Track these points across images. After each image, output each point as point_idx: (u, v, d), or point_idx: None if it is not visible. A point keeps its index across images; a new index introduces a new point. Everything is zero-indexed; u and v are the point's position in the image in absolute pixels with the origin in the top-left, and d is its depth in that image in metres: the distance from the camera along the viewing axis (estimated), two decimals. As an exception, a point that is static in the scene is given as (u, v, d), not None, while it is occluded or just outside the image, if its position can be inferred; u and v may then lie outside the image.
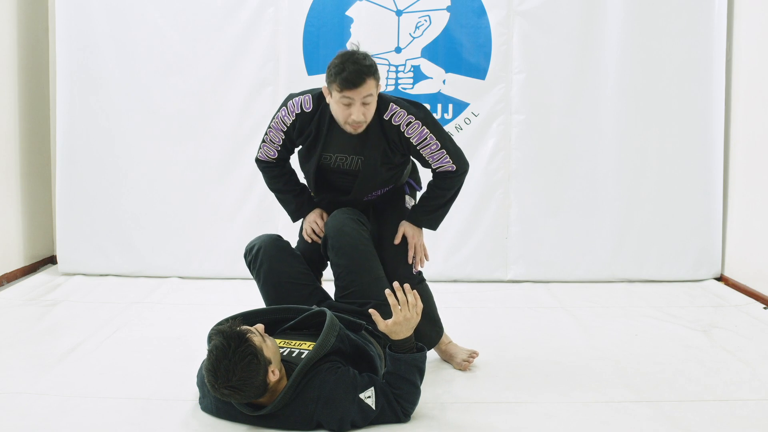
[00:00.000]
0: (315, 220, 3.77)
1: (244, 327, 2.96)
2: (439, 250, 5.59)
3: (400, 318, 3.08)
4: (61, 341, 4.14)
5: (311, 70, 5.52)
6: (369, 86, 3.38)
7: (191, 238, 5.64)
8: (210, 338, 3.08)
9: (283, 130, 3.63)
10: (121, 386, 3.49)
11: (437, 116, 5.53)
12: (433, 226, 3.80)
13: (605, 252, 5.61)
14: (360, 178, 3.62)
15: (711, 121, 5.55)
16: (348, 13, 5.50)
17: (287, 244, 3.69)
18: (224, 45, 5.53)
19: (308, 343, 3.18)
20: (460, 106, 5.55)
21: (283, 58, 5.53)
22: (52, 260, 6.06)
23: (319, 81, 5.47)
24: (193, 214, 5.64)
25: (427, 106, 3.79)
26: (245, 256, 3.68)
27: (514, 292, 5.35)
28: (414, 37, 5.52)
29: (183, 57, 5.54)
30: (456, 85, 5.54)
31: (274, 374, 2.94)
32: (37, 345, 4.10)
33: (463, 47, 5.52)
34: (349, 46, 3.55)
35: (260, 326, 3.07)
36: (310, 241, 3.76)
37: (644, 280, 5.60)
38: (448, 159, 3.61)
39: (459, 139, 5.47)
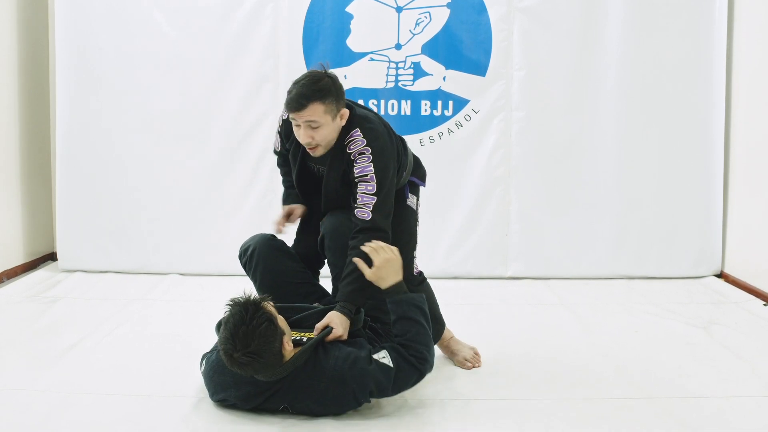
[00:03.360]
0: (282, 215, 3.78)
1: (259, 296, 3.03)
2: (439, 247, 5.60)
3: (381, 260, 3.19)
4: (62, 338, 4.15)
5: (311, 67, 5.50)
6: (312, 111, 3.26)
7: (191, 234, 5.64)
8: (219, 324, 3.10)
9: (278, 130, 3.68)
10: (121, 383, 3.49)
11: (437, 113, 5.53)
12: (352, 298, 3.33)
13: (605, 249, 5.61)
14: (323, 195, 3.56)
15: (711, 119, 5.55)
16: (348, 9, 5.50)
17: (282, 243, 3.68)
18: (224, 42, 5.53)
19: (309, 334, 3.21)
20: (460, 103, 5.55)
21: (283, 54, 5.52)
22: (52, 257, 6.06)
23: (319, 78, 5.50)
24: (194, 211, 5.64)
25: (406, 141, 3.75)
26: (240, 257, 3.69)
27: (514, 289, 5.35)
28: (414, 34, 5.51)
29: (182, 54, 5.54)
30: (456, 82, 5.54)
31: (289, 344, 2.98)
32: (37, 342, 4.10)
33: (464, 44, 5.52)
34: (319, 66, 3.43)
35: (270, 300, 3.11)
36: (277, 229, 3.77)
37: (644, 277, 5.60)
38: (370, 207, 3.35)
39: (459, 136, 5.51)
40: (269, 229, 3.74)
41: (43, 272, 5.68)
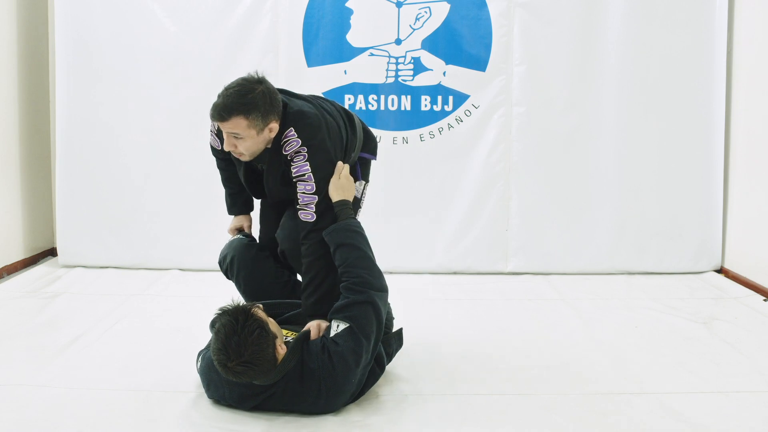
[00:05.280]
0: (233, 229, 3.83)
1: (247, 303, 3.01)
2: (439, 242, 5.60)
3: (345, 175, 3.38)
4: (62, 333, 4.15)
5: (311, 62, 5.51)
6: (234, 124, 3.20)
7: (191, 230, 5.64)
8: (213, 323, 3.10)
9: (212, 130, 3.65)
10: (121, 378, 3.49)
11: (437, 108, 5.53)
12: (317, 311, 3.33)
13: (605, 244, 5.61)
14: (266, 192, 3.53)
15: (712, 113, 5.54)
16: (348, 4, 5.49)
17: (259, 246, 3.71)
18: (223, 37, 5.52)
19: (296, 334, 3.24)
20: (460, 98, 5.54)
21: (283, 49, 5.52)
22: (52, 252, 6.06)
23: (319, 73, 5.50)
24: (193, 206, 5.63)
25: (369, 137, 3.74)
26: (220, 265, 3.73)
27: (514, 284, 5.35)
28: (414, 29, 5.51)
29: (182, 49, 5.53)
30: (456, 77, 5.53)
31: (282, 348, 2.98)
32: (37, 337, 4.11)
33: (464, 39, 5.51)
34: (254, 74, 3.34)
35: (259, 305, 3.11)
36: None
37: (644, 272, 5.60)
38: (313, 207, 3.31)
39: (459, 131, 5.51)
40: (239, 238, 3.77)
41: (43, 268, 5.68)
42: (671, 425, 3.06)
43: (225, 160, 3.73)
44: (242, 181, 3.62)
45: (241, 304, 2.97)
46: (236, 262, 3.64)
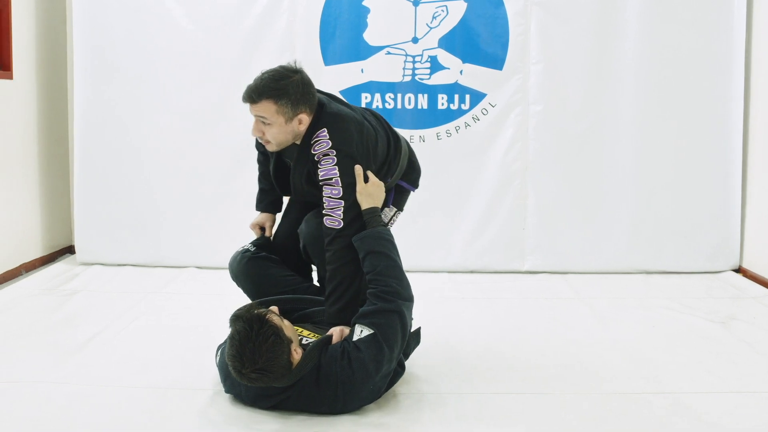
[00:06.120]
0: (256, 225, 3.81)
1: (262, 309, 2.99)
2: (456, 241, 5.60)
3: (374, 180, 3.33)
4: (80, 330, 4.17)
5: (328, 61, 5.52)
6: (262, 108, 3.22)
7: (208, 228, 5.65)
8: (233, 319, 3.10)
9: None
10: (139, 375, 3.51)
11: (454, 107, 5.52)
12: (341, 319, 3.28)
13: (622, 243, 5.59)
14: (291, 188, 3.51)
15: (730, 111, 5.51)
16: (365, 3, 5.49)
17: (264, 256, 3.67)
18: (240, 35, 5.54)
19: (316, 335, 3.23)
20: (477, 97, 5.53)
21: (300, 48, 5.52)
22: (70, 250, 6.09)
23: (336, 72, 5.50)
24: (211, 204, 5.65)
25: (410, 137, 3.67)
26: (233, 280, 3.73)
27: (530, 283, 5.34)
28: (431, 28, 5.50)
29: (199, 48, 5.55)
30: (473, 76, 5.52)
31: (297, 353, 2.96)
32: (55, 334, 4.12)
33: (481, 37, 5.50)
34: (292, 63, 3.34)
35: (275, 308, 3.11)
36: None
37: (662, 272, 5.58)
38: (339, 213, 3.25)
39: (476, 130, 5.50)
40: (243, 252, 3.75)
41: (61, 265, 5.71)
42: (689, 425, 3.05)
43: (264, 154, 3.73)
44: (271, 173, 3.60)
45: (255, 311, 2.95)
46: (241, 279, 3.66)
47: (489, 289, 5.20)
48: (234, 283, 3.75)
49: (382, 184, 3.36)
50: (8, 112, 5.31)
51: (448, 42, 5.51)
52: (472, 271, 5.61)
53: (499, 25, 5.49)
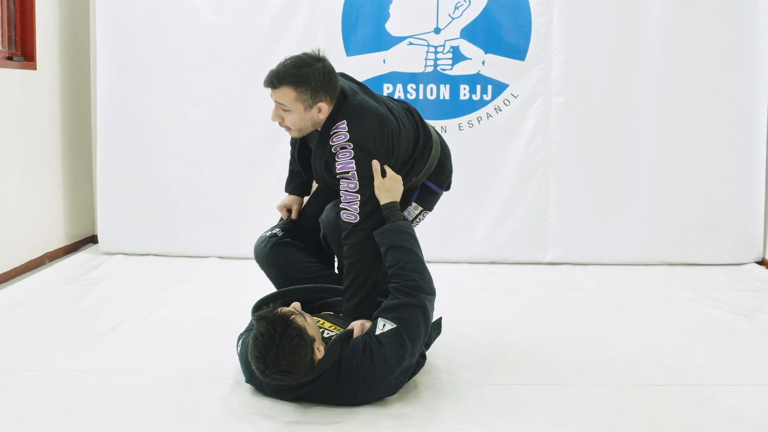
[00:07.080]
0: (283, 206, 3.79)
1: (285, 309, 2.98)
2: (477, 232, 5.59)
3: (392, 174, 3.29)
4: (102, 320, 4.20)
5: (350, 51, 5.52)
6: (282, 94, 3.20)
7: (230, 218, 5.67)
8: (256, 308, 3.10)
9: None
10: (161, 364, 3.53)
11: (476, 97, 5.51)
12: (359, 313, 3.27)
13: (644, 234, 5.56)
14: (313, 173, 3.49)
15: (754, 103, 5.47)
16: (387, -7, 5.49)
17: (288, 242, 3.66)
18: (262, 26, 5.54)
19: (338, 327, 3.22)
20: (499, 88, 5.52)
21: (321, 39, 5.50)
22: (93, 240, 6.13)
23: (358, 62, 5.49)
24: (233, 195, 5.67)
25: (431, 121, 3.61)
26: (257, 263, 3.72)
27: (552, 275, 5.33)
28: (453, 18, 5.49)
29: (220, 39, 5.55)
30: (495, 66, 5.50)
31: (320, 351, 2.96)
32: (78, 323, 4.16)
33: (503, 28, 5.48)
34: (316, 51, 3.30)
35: (297, 304, 3.09)
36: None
37: (684, 264, 5.55)
38: (356, 207, 3.23)
39: (498, 121, 5.48)
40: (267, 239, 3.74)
41: (84, 255, 5.75)
42: (711, 418, 3.04)
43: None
44: (295, 154, 3.62)
45: (279, 310, 2.94)
46: (265, 264, 3.66)
47: (510, 280, 5.19)
48: (258, 267, 3.74)
49: (399, 178, 3.33)
50: (32, 102, 5.34)
51: (470, 32, 5.49)
52: (493, 262, 5.60)
53: (522, 15, 5.47)
